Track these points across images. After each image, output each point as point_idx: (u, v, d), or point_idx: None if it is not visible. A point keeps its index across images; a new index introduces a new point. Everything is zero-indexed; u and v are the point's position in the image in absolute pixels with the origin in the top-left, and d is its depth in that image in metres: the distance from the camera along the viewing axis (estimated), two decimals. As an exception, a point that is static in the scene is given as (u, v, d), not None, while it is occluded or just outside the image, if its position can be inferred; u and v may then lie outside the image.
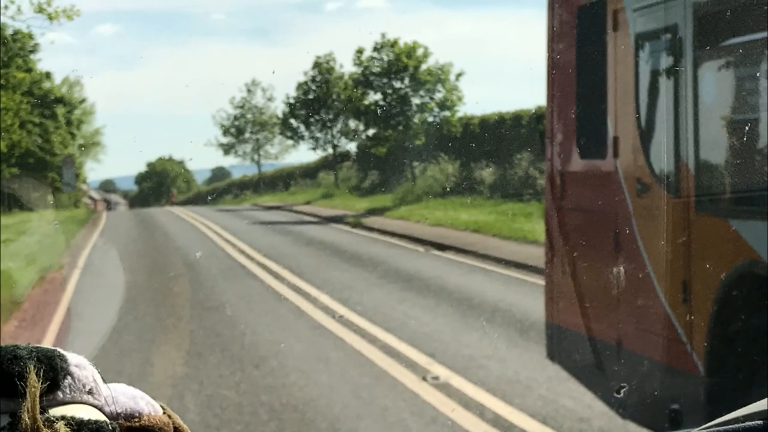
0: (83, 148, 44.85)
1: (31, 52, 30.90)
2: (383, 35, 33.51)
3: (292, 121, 41.00)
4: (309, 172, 44.31)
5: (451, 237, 19.17)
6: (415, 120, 32.50)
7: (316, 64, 40.15)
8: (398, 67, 32.19)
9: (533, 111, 26.83)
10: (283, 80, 75.73)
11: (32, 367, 0.85)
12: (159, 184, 63.50)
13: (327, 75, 40.16)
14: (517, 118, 28.81)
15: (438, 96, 32.17)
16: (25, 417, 0.82)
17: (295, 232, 23.67)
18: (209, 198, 53.91)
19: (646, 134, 5.90)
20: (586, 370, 6.77)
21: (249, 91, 48.28)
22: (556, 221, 7.09)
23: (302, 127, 40.80)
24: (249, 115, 47.96)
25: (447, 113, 32.04)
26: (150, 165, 63.75)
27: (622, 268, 6.03)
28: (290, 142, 43.51)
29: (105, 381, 0.93)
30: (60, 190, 34.58)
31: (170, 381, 8.48)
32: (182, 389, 8.09)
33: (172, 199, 56.57)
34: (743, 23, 5.31)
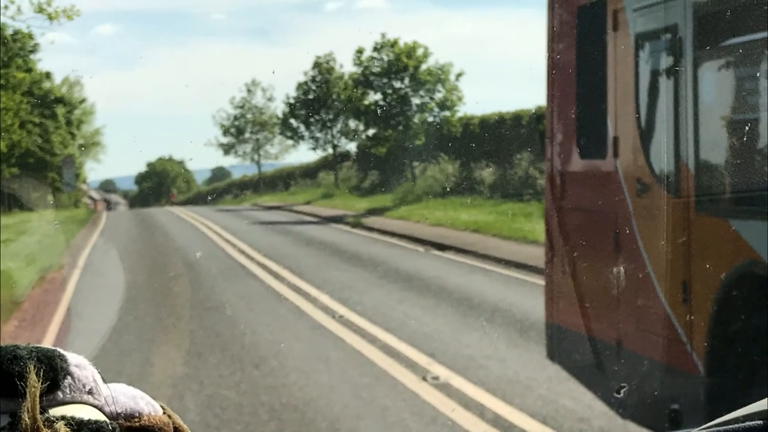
0: (83, 148, 44.86)
1: (31, 52, 30.91)
2: (383, 35, 33.54)
3: (292, 121, 41.01)
4: (309, 172, 44.32)
5: (451, 237, 19.17)
6: (415, 120, 32.50)
7: (316, 64, 40.17)
8: (398, 67, 32.19)
9: (533, 111, 26.84)
10: (283, 80, 75.75)
11: (32, 367, 0.85)
12: (159, 184, 63.50)
13: (327, 75, 40.16)
14: (517, 118, 28.81)
15: (438, 96, 32.17)
16: (25, 417, 0.82)
17: (295, 232, 23.67)
18: (209, 198, 53.91)
19: (646, 134, 5.90)
20: (586, 370, 6.77)
21: (249, 91, 48.32)
22: (556, 221, 7.09)
23: (302, 127, 40.81)
24: (249, 115, 47.98)
25: (447, 113, 32.04)
26: (150, 165, 63.77)
27: (622, 268, 6.03)
28: (290, 142, 43.56)
29: (105, 381, 0.93)
30: (60, 190, 34.58)
31: (170, 381, 8.48)
32: (182, 389, 8.09)
33: (172, 199, 56.57)
34: (743, 23, 5.31)
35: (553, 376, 7.66)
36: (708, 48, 5.49)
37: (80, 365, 0.90)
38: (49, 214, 27.50)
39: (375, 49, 32.76)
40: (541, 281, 9.28)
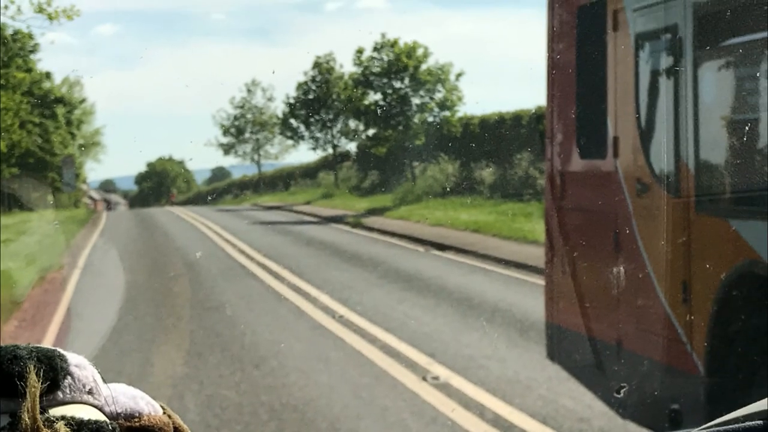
0: (83, 148, 44.86)
1: (31, 52, 30.91)
2: (383, 35, 33.55)
3: (292, 121, 41.01)
4: (309, 172, 44.32)
5: (451, 237, 19.17)
6: (415, 120, 32.50)
7: (316, 64, 40.17)
8: (398, 67, 32.19)
9: (533, 111, 26.84)
10: (283, 80, 75.73)
11: (32, 367, 0.85)
12: (159, 184, 63.50)
13: (327, 75, 40.16)
14: (517, 118, 28.81)
15: (438, 96, 32.17)
16: (25, 417, 0.82)
17: (295, 232, 23.67)
18: (209, 198, 53.91)
19: (646, 134, 5.90)
20: (586, 370, 6.77)
21: (249, 91, 48.32)
22: (556, 221, 7.09)
23: (302, 127, 40.81)
24: (249, 115, 47.98)
25: (447, 113, 32.04)
26: (150, 165, 63.78)
27: (622, 268, 6.03)
28: (290, 142, 43.55)
29: (105, 381, 0.93)
30: (60, 190, 34.58)
31: (170, 381, 8.48)
32: (182, 389, 8.09)
33: (172, 199, 56.58)
34: (743, 23, 5.31)
35: (553, 376, 7.66)
36: (708, 48, 5.49)
37: (80, 365, 0.90)
38: (49, 214, 27.50)
39: (375, 49, 32.78)
40: (541, 281, 9.28)
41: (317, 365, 8.91)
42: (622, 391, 5.85)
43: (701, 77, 5.44)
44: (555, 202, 7.00)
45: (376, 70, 32.66)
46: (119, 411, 0.92)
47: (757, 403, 1.26)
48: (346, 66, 42.83)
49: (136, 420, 0.93)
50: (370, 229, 23.10)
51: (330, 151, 40.88)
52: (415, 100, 32.41)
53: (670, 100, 5.60)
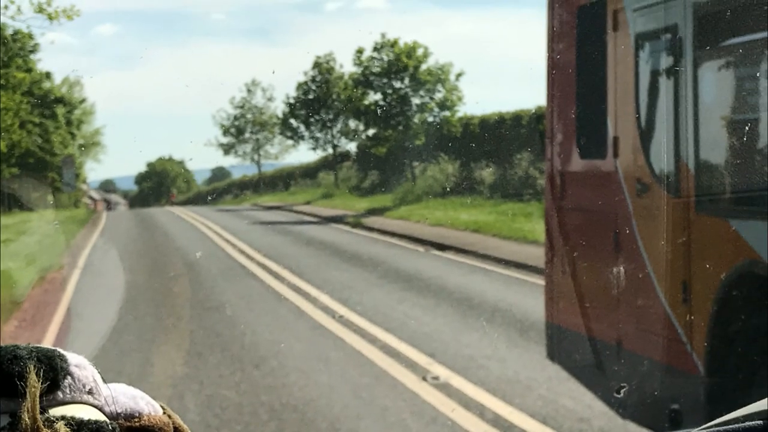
0: (83, 148, 44.87)
1: (31, 52, 30.91)
2: (383, 35, 33.55)
3: (292, 121, 41.01)
4: (309, 172, 44.32)
5: (451, 237, 19.17)
6: (415, 120, 32.50)
7: (316, 64, 40.18)
8: (398, 67, 32.19)
9: (533, 111, 26.84)
10: (283, 80, 75.70)
11: (32, 367, 0.85)
12: (159, 184, 63.51)
13: (327, 75, 40.16)
14: (517, 118, 28.81)
15: (438, 96, 32.17)
16: (25, 417, 0.82)
17: (295, 232, 23.67)
18: (209, 198, 53.91)
19: (646, 134, 5.90)
20: (586, 370, 6.77)
21: (249, 91, 48.32)
22: (556, 221, 7.09)
23: (302, 127, 40.81)
24: (249, 115, 47.98)
25: (447, 113, 32.04)
26: (150, 165, 63.78)
27: (622, 268, 6.03)
28: (290, 142, 43.55)
29: (105, 381, 0.93)
30: (60, 190, 34.58)
31: (170, 381, 8.48)
32: (182, 389, 8.09)
33: (172, 199, 56.58)
34: (743, 23, 5.31)
35: (553, 376, 7.66)
36: (708, 48, 5.49)
37: (80, 365, 0.90)
38: (49, 214, 27.51)
39: (375, 49, 32.78)
40: (541, 281, 9.28)
41: (317, 365, 8.91)
42: (622, 391, 5.85)
43: (701, 77, 5.44)
44: (555, 202, 7.00)
45: (376, 70, 32.67)
46: (119, 411, 0.92)
47: (757, 403, 1.26)
48: (346, 66, 42.88)
49: (136, 420, 0.93)
50: (370, 229, 23.10)
51: (330, 151, 40.89)
52: (415, 100, 32.43)
53: (670, 100, 5.60)
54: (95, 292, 14.44)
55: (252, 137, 47.98)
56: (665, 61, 5.73)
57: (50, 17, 22.79)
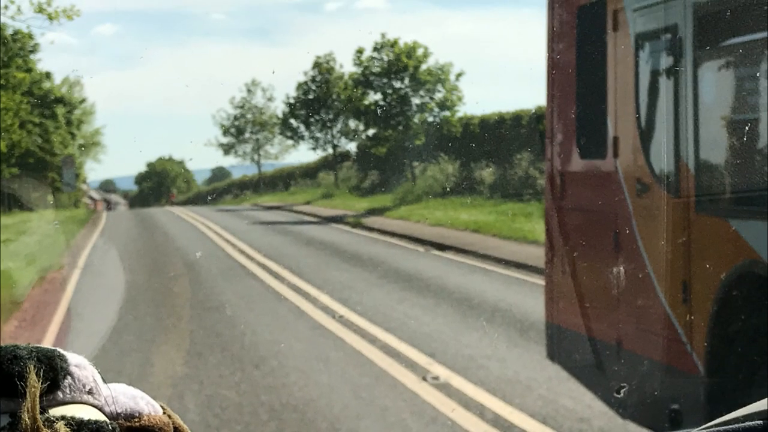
0: (83, 148, 44.87)
1: (31, 52, 30.91)
2: (383, 35, 33.56)
3: (292, 121, 41.02)
4: (309, 172, 44.32)
5: (451, 237, 19.17)
6: (415, 120, 32.50)
7: (316, 64, 40.18)
8: (398, 67, 32.19)
9: (533, 111, 26.84)
10: (283, 80, 75.71)
11: (32, 367, 0.85)
12: (159, 184, 63.52)
13: (327, 75, 40.17)
14: (517, 118, 28.81)
15: (438, 96, 32.17)
16: (25, 417, 0.82)
17: (295, 232, 23.68)
18: (209, 198, 53.92)
19: (646, 134, 5.90)
20: (586, 370, 6.77)
21: (249, 91, 48.32)
22: (556, 221, 7.09)
23: (302, 127, 40.82)
24: (249, 115, 47.98)
25: (447, 113, 32.04)
26: (150, 165, 63.80)
27: (622, 268, 6.03)
28: (290, 142, 43.57)
29: (105, 381, 0.93)
30: (60, 190, 34.59)
31: (170, 381, 8.48)
32: (182, 389, 8.09)
33: (172, 199, 56.59)
34: (743, 23, 5.31)
35: (553, 376, 7.66)
36: (708, 48, 5.49)
37: (80, 365, 0.90)
38: (49, 214, 27.51)
39: (375, 49, 32.78)
40: (541, 281, 9.29)
41: (317, 365, 8.91)
42: (622, 391, 5.85)
43: (701, 77, 5.44)
44: (555, 202, 7.00)
45: (376, 70, 32.67)
46: (119, 411, 0.92)
47: (757, 403, 1.26)
48: (346, 66, 42.89)
49: (136, 420, 0.93)
50: (370, 229, 23.10)
51: (330, 151, 40.89)
52: (415, 100, 32.43)
53: (670, 100, 5.60)
54: (95, 292, 14.44)
55: (252, 137, 48.00)
56: (665, 61, 5.73)
57: (50, 17, 22.80)
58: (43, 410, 0.85)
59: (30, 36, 29.04)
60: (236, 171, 53.98)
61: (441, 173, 29.32)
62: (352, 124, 38.76)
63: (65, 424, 0.84)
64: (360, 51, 33.10)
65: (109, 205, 54.24)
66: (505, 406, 7.26)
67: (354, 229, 23.88)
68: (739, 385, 5.08)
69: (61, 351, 0.90)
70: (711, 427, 1.23)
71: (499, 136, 30.50)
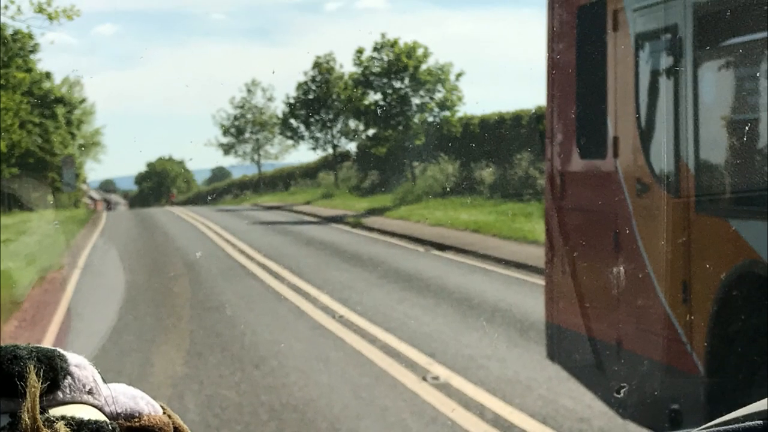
0: (83, 148, 44.87)
1: (31, 52, 30.91)
2: (383, 35, 33.57)
3: (292, 121, 41.02)
4: (309, 172, 44.32)
5: (451, 237, 19.17)
6: (415, 120, 32.50)
7: (316, 64, 40.19)
8: (398, 67, 32.19)
9: (533, 111, 26.84)
10: (283, 80, 75.70)
11: (32, 367, 0.85)
12: (159, 184, 63.52)
13: (327, 75, 40.17)
14: (517, 118, 28.81)
15: (438, 96, 32.17)
16: (25, 417, 0.82)
17: (295, 232, 23.68)
18: (209, 198, 53.92)
19: (646, 134, 5.90)
20: (586, 370, 6.77)
21: (249, 91, 48.32)
22: (556, 221, 7.09)
23: (302, 127, 40.82)
24: (249, 115, 47.98)
25: (447, 113, 32.04)
26: (150, 165, 63.80)
27: (622, 268, 6.03)
28: (290, 142, 43.57)
29: (105, 381, 0.93)
30: (60, 190, 34.59)
31: (170, 381, 8.48)
32: (182, 389, 8.09)
33: (172, 199, 56.59)
34: (743, 23, 5.31)
35: (553, 376, 7.66)
36: (708, 48, 5.49)
37: (80, 365, 0.90)
38: (49, 214, 27.52)
39: (375, 49, 32.78)
40: (541, 281, 9.29)
41: (317, 365, 8.91)
42: (622, 391, 5.85)
43: (701, 77, 5.44)
44: (555, 202, 7.00)
45: (376, 70, 32.67)
46: (119, 411, 0.92)
47: (757, 403, 1.26)
48: (346, 66, 42.89)
49: (136, 420, 0.93)
50: (370, 229, 23.10)
51: (330, 151, 40.89)
52: (415, 100, 32.43)
53: (670, 100, 5.60)
54: (95, 292, 14.44)
55: (252, 137, 48.00)
56: (665, 61, 5.73)
57: (50, 17, 22.80)
58: (43, 410, 0.85)
59: (30, 36, 29.06)
60: (236, 171, 54.00)
61: (441, 173, 29.32)
62: (352, 124, 38.78)
63: (65, 424, 0.84)
64: (360, 51, 33.13)
65: (109, 205, 54.24)
66: (505, 406, 7.26)
67: (354, 229, 23.88)
68: (739, 385, 5.08)
69: (61, 351, 0.90)
70: (711, 427, 1.23)
71: (499, 136, 30.50)
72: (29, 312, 12.08)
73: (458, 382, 8.02)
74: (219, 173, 61.60)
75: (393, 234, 21.20)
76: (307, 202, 35.26)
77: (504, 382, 7.96)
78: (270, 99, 48.54)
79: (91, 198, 51.54)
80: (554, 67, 6.90)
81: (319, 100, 39.99)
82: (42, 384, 0.85)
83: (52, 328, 10.90)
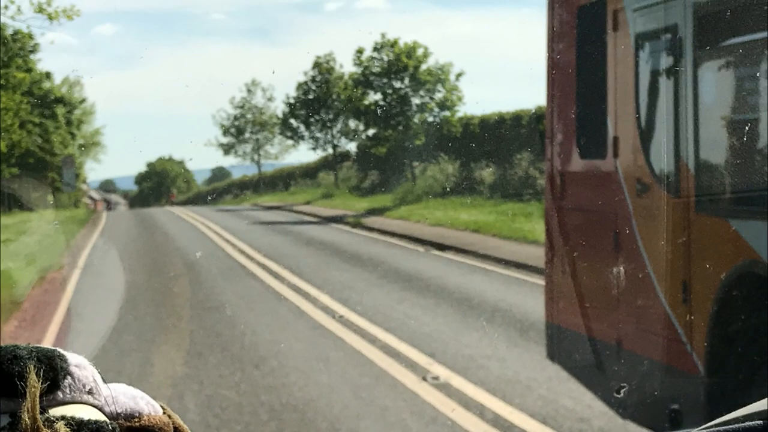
0: (83, 148, 44.87)
1: (31, 52, 30.91)
2: (383, 35, 33.57)
3: (292, 121, 41.02)
4: (309, 172, 44.32)
5: (451, 237, 19.17)
6: (415, 120, 32.50)
7: (316, 64, 40.19)
8: (398, 67, 32.19)
9: (533, 111, 26.84)
10: (283, 80, 75.70)
11: (32, 367, 0.85)
12: (159, 184, 63.52)
13: (327, 75, 40.17)
14: (517, 118, 28.81)
15: (438, 96, 32.18)
16: (25, 417, 0.82)
17: (295, 232, 23.68)
18: (209, 198, 53.92)
19: (646, 134, 5.90)
20: (586, 370, 6.77)
21: (249, 91, 48.32)
22: (556, 221, 7.09)
23: (302, 127, 40.82)
24: (249, 115, 47.99)
25: (447, 113, 32.04)
26: (150, 165, 63.80)
27: (622, 268, 6.03)
28: (290, 142, 43.58)
29: (105, 381, 0.93)
30: (60, 190, 34.59)
31: (170, 381, 8.48)
32: (182, 389, 8.09)
33: (172, 199, 56.59)
34: (743, 23, 5.31)
35: (553, 376, 7.66)
36: (708, 48, 5.49)
37: (80, 365, 0.90)
38: (49, 214, 27.52)
39: (375, 49, 32.78)
40: (541, 281, 9.29)
41: (317, 365, 8.91)
42: (622, 391, 5.85)
43: (701, 77, 5.44)
44: (555, 202, 7.00)
45: (376, 70, 32.67)
46: (119, 411, 0.92)
47: (757, 403, 1.26)
48: (346, 66, 42.90)
49: (136, 420, 0.93)
50: (370, 229, 23.10)
51: (330, 151, 40.89)
52: (415, 100, 32.43)
53: (670, 100, 5.60)
54: (95, 292, 14.44)
55: (252, 137, 48.00)
56: (665, 61, 5.73)
57: (50, 17, 22.80)
58: (43, 410, 0.85)
59: (30, 36, 29.06)
60: (236, 171, 53.99)
61: (441, 173, 29.32)
62: (352, 124, 38.78)
63: (65, 424, 0.84)
64: (360, 51, 33.13)
65: (109, 205, 54.24)
66: (505, 406, 7.26)
67: (354, 229, 23.88)
68: (739, 385, 5.08)
69: (61, 351, 0.90)
70: (711, 427, 1.23)
71: (499, 136, 30.50)
72: (29, 312, 12.08)
73: (458, 382, 8.02)
74: (219, 173, 61.61)
75: (393, 234, 21.20)
76: (307, 202, 35.26)
77: (504, 382, 7.96)
78: (270, 99, 48.57)
79: (91, 198, 51.54)
80: (554, 67, 6.90)
81: (319, 100, 40.00)
82: (42, 384, 0.85)
83: (52, 328, 10.90)
